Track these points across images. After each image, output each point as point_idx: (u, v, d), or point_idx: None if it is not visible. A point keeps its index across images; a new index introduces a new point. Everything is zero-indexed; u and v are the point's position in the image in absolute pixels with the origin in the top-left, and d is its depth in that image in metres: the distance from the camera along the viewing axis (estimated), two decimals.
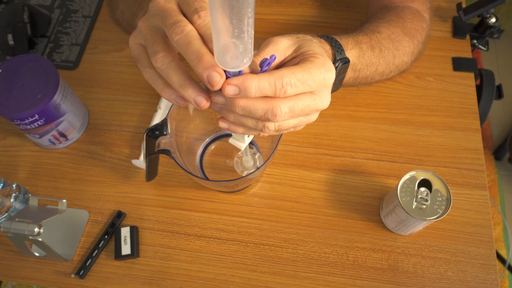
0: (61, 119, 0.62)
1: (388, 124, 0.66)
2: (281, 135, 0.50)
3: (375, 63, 0.55)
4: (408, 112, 0.67)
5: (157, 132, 0.51)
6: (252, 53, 0.35)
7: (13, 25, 0.74)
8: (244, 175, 0.58)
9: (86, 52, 0.76)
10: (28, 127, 0.60)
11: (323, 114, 0.67)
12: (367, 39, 0.54)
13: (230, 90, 0.36)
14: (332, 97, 0.67)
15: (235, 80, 0.36)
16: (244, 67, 0.36)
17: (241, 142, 0.47)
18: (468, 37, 0.73)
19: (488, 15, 0.70)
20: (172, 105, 0.52)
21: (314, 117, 0.43)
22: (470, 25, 0.73)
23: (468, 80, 0.69)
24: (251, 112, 0.38)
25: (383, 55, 0.56)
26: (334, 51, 0.48)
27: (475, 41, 0.73)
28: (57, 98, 0.59)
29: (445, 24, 0.75)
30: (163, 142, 0.51)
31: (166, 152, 0.50)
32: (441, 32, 0.74)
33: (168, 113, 0.51)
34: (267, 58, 0.38)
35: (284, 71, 0.37)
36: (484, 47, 0.74)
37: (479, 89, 0.70)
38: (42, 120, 0.59)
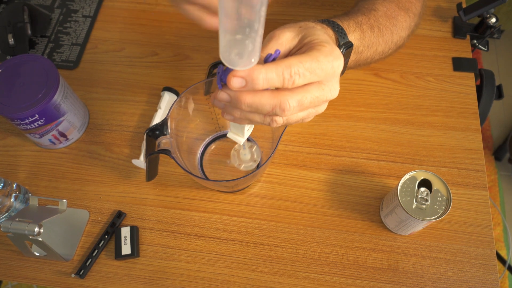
0: (61, 119, 0.62)
1: (388, 124, 0.66)
2: (281, 134, 0.50)
3: (375, 43, 0.55)
4: (408, 112, 0.67)
5: (157, 132, 0.51)
6: (260, 52, 0.34)
7: (14, 25, 0.74)
8: (241, 168, 0.57)
9: (86, 52, 0.76)
10: (28, 127, 0.60)
11: (323, 114, 0.67)
12: (366, 19, 0.53)
13: (236, 82, 0.35)
14: None
15: (241, 72, 0.34)
16: (251, 66, 0.34)
17: (240, 136, 0.46)
18: (468, 37, 0.73)
19: (488, 15, 0.70)
20: (172, 105, 0.52)
21: (323, 108, 0.42)
22: (470, 25, 0.73)
23: (468, 80, 0.69)
24: (258, 108, 0.37)
25: (382, 33, 0.55)
26: (337, 36, 0.46)
27: (475, 41, 0.73)
28: (57, 98, 0.59)
29: (445, 24, 0.75)
30: (163, 142, 0.51)
31: (166, 152, 0.50)
32: (441, 32, 0.74)
33: (168, 113, 0.51)
34: (271, 54, 0.37)
35: (291, 60, 0.36)
36: (484, 47, 0.74)
37: (479, 89, 0.70)
38: (42, 120, 0.59)
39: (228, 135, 0.47)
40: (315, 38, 0.40)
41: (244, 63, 0.34)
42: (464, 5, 0.73)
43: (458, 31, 0.73)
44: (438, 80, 0.70)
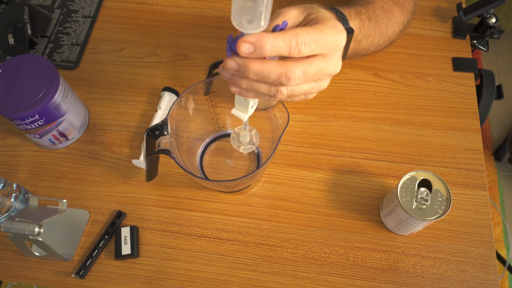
0: (61, 119, 0.62)
1: (388, 124, 0.66)
2: (281, 135, 0.50)
3: (372, 34, 0.57)
4: (408, 112, 0.67)
5: (157, 132, 0.51)
6: (269, 18, 0.36)
7: (14, 25, 0.75)
8: (240, 150, 0.58)
9: (86, 52, 0.76)
10: (29, 127, 0.60)
11: (323, 114, 0.67)
12: (364, 9, 0.56)
13: (245, 48, 0.36)
14: (332, 97, 0.68)
15: (250, 38, 0.36)
16: (261, 30, 0.36)
17: (244, 113, 0.47)
18: (468, 37, 0.73)
19: (488, 15, 0.70)
20: (172, 105, 0.52)
21: (325, 83, 0.44)
22: (470, 25, 0.74)
23: (468, 80, 0.69)
24: (265, 77, 0.38)
25: (378, 25, 0.57)
26: (339, 21, 0.48)
27: (475, 41, 0.73)
28: (57, 98, 0.59)
29: (445, 24, 0.75)
30: (163, 142, 0.51)
31: (166, 152, 0.50)
32: (441, 32, 0.74)
33: (168, 113, 0.51)
34: (279, 24, 0.40)
35: (298, 30, 0.38)
36: (484, 47, 0.74)
37: (479, 89, 0.70)
38: (42, 120, 0.59)
39: (232, 112, 0.47)
40: (320, 14, 0.42)
41: (254, 27, 0.35)
42: (464, 5, 0.73)
43: (458, 31, 0.73)
44: (438, 80, 0.70)
